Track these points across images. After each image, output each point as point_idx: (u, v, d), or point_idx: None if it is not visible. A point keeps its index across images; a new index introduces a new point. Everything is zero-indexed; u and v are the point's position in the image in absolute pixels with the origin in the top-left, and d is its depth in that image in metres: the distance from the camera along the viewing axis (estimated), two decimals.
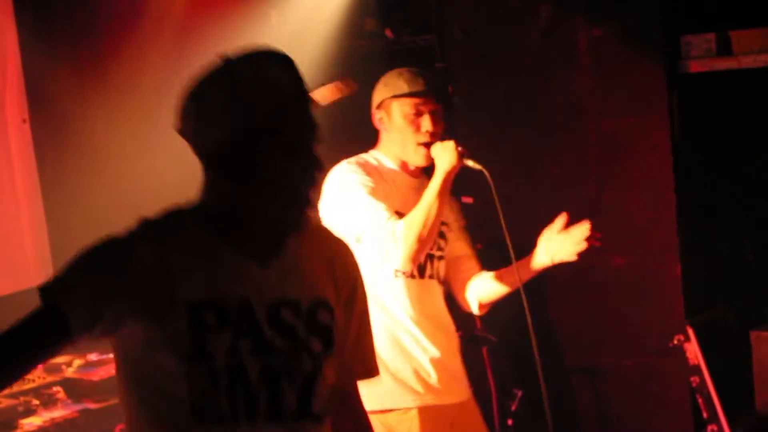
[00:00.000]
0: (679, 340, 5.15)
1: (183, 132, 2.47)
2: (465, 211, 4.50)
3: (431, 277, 4.27)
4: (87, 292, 2.30)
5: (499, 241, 4.20)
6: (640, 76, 5.35)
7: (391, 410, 4.16)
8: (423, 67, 4.44)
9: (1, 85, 4.90)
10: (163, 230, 2.42)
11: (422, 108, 4.19)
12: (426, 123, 4.18)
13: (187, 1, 5.48)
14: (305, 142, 2.43)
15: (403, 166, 4.28)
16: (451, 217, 4.37)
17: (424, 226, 4.00)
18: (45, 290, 2.30)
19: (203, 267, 2.39)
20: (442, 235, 4.27)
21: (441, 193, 4.07)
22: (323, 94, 2.50)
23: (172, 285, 2.35)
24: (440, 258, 4.31)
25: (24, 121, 4.94)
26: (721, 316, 5.40)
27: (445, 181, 4.09)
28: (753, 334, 5.17)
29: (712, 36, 5.22)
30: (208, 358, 2.35)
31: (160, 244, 2.37)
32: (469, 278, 4.33)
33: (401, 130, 4.23)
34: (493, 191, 4.15)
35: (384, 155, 4.31)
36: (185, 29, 5.46)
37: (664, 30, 5.29)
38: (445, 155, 4.13)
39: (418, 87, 4.18)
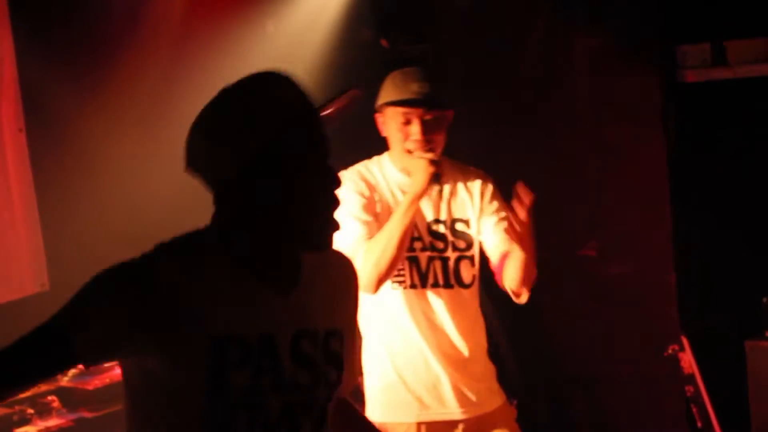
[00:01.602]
0: (673, 350, 5.21)
1: (194, 167, 2.35)
2: None
3: (435, 285, 4.04)
4: (100, 325, 2.21)
5: None
6: (636, 85, 5.37)
7: (390, 423, 4.04)
8: None
9: None
10: (181, 258, 2.30)
11: (411, 116, 3.97)
12: (414, 131, 3.97)
13: (184, 11, 5.48)
14: (320, 158, 2.33)
15: (407, 171, 4.06)
16: (470, 212, 4.12)
17: (383, 253, 3.83)
18: (56, 318, 2.21)
19: (225, 298, 2.28)
20: (454, 234, 4.07)
21: (404, 215, 3.88)
22: (331, 108, 2.41)
23: (192, 318, 2.24)
24: (458, 259, 4.09)
25: (20, 130, 4.92)
26: (715, 326, 5.42)
27: (411, 203, 3.90)
28: (748, 344, 5.22)
29: (707, 46, 5.27)
30: (228, 395, 2.26)
31: (178, 274, 2.26)
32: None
33: (393, 136, 4.06)
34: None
35: (389, 160, 4.11)
36: (182, 39, 5.48)
37: (661, 40, 5.34)
38: (417, 174, 3.96)
39: (407, 95, 3.97)
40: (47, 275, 4.90)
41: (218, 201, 2.35)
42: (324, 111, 2.32)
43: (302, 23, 5.69)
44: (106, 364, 4.50)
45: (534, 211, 3.88)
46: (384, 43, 5.98)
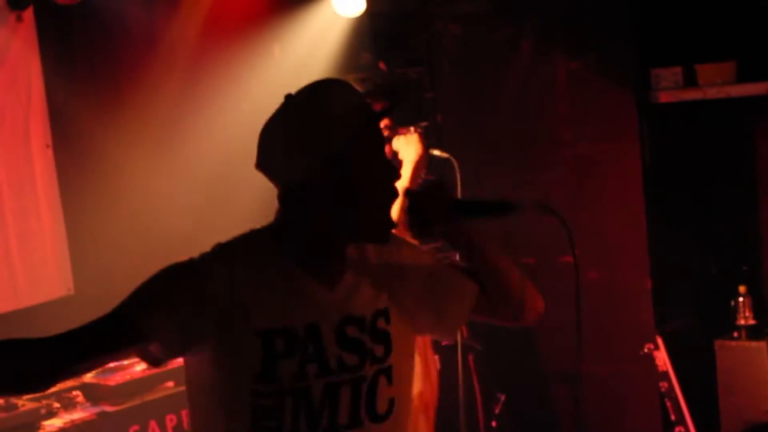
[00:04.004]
0: (649, 349, 5.17)
1: (265, 168, 2.38)
2: None
3: None
4: (165, 317, 2.27)
5: None
6: (613, 105, 5.35)
7: None
8: (413, 97, 4.38)
9: (26, 113, 4.87)
10: (236, 256, 2.35)
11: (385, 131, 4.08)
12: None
13: (198, 36, 5.47)
14: (382, 157, 2.38)
15: None
16: None
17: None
18: (124, 310, 2.28)
19: (275, 293, 2.33)
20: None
21: (412, 182, 4.06)
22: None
23: (245, 310, 2.30)
24: None
25: (47, 146, 4.91)
26: (687, 327, 5.42)
27: (414, 169, 4.09)
28: (717, 343, 5.21)
29: (679, 69, 5.25)
30: (276, 381, 2.30)
31: (233, 270, 2.31)
32: None
33: None
34: (458, 179, 4.26)
35: None
36: (196, 61, 5.45)
37: (635, 63, 5.31)
38: (410, 147, 4.12)
39: None
40: (72, 280, 4.89)
41: (283, 200, 2.39)
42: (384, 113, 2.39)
43: (306, 48, 5.68)
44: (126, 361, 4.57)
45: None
46: (382, 66, 5.98)
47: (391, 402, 2.44)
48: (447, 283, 2.54)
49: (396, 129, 4.20)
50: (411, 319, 2.50)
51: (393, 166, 2.40)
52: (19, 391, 2.32)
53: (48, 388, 2.32)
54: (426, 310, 2.52)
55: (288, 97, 2.37)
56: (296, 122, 2.33)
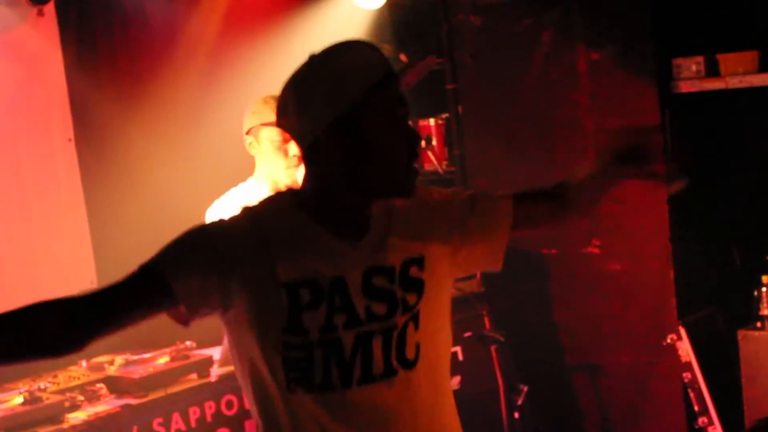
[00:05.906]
0: (672, 339, 5.16)
1: (285, 125, 2.44)
2: None
3: None
4: (196, 276, 2.31)
5: None
6: (634, 95, 5.31)
7: None
8: (434, 88, 4.35)
9: (48, 107, 4.91)
10: (262, 215, 2.41)
11: (287, 135, 4.01)
12: (293, 148, 4.02)
13: (219, 28, 5.49)
14: (401, 116, 2.39)
15: (277, 188, 4.12)
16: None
17: None
18: (155, 266, 2.31)
19: (298, 247, 2.37)
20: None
21: None
22: (412, 73, 2.42)
23: (270, 265, 2.34)
24: None
25: (69, 140, 4.95)
26: (710, 317, 5.39)
27: None
28: (740, 333, 5.15)
29: (701, 59, 5.21)
30: (304, 333, 2.34)
31: (259, 228, 2.37)
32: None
33: (270, 156, 4.14)
34: None
35: (258, 181, 4.21)
36: (216, 53, 5.48)
37: (657, 53, 5.27)
38: None
39: None
40: (95, 274, 4.91)
41: (306, 161, 2.43)
42: (406, 76, 2.39)
43: (327, 41, 5.67)
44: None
45: None
46: (403, 57, 5.97)
47: (417, 347, 2.45)
48: (482, 214, 2.57)
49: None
50: (451, 260, 2.53)
51: (412, 129, 2.41)
52: (52, 354, 2.27)
53: (80, 348, 2.28)
54: (467, 245, 2.54)
55: (310, 56, 2.41)
56: (309, 81, 2.35)
